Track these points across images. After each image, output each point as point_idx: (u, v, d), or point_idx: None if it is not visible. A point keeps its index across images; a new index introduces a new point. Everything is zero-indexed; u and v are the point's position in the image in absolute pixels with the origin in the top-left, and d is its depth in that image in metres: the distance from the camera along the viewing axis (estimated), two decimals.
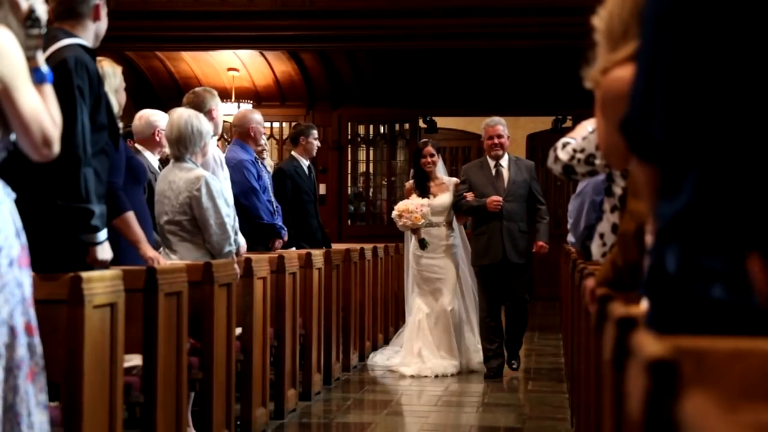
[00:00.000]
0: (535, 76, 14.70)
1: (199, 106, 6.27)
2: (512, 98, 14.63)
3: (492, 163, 8.65)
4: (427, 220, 8.58)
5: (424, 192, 8.77)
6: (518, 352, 8.86)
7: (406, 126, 15.71)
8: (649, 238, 2.35)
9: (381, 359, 9.14)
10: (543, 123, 16.13)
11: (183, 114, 5.74)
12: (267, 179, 7.83)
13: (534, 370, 8.99)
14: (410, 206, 8.59)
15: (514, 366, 8.74)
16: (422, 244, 8.72)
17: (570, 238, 6.97)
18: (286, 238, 7.72)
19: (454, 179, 8.96)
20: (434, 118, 15.96)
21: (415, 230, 8.69)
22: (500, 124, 8.63)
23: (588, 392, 4.00)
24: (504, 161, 8.64)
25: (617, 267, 2.95)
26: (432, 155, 8.78)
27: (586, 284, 3.51)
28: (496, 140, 8.59)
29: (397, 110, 15.30)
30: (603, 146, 2.55)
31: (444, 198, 8.75)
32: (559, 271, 12.34)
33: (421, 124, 15.79)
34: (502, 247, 8.42)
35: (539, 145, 16.17)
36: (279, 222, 7.68)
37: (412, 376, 8.43)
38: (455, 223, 8.91)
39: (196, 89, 6.74)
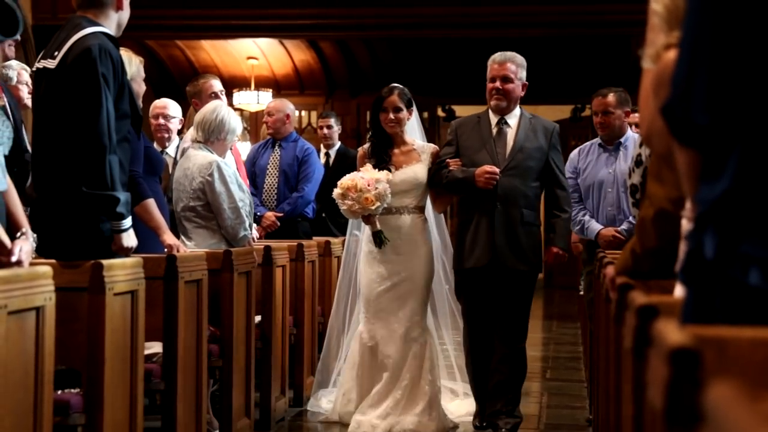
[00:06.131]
0: (554, 65, 14.65)
1: (197, 93, 6.63)
2: (531, 87, 14.45)
3: (494, 119, 5.80)
4: (383, 203, 5.67)
5: (382, 161, 5.88)
6: (514, 406, 5.74)
7: (425, 114, 15.67)
8: (685, 223, 2.34)
9: (326, 403, 6.38)
10: (562, 112, 16.09)
11: (217, 104, 5.91)
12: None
13: (552, 359, 8.97)
14: (359, 182, 5.65)
15: (504, 428, 5.66)
16: (377, 240, 5.80)
17: None
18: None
19: (432, 146, 6.12)
20: (453, 106, 15.95)
21: (367, 218, 5.78)
22: (511, 62, 5.82)
23: (607, 381, 3.99)
24: (512, 117, 5.81)
25: (636, 255, 2.94)
26: (398, 110, 5.93)
27: (606, 273, 3.50)
28: (498, 83, 5.78)
29: (415, 98, 15.17)
30: (647, 127, 2.53)
31: (412, 171, 5.89)
32: (578, 259, 12.31)
33: (440, 112, 15.77)
34: (491, 243, 5.60)
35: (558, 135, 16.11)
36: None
37: None
38: (430, 210, 6.08)
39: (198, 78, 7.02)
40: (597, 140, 6.42)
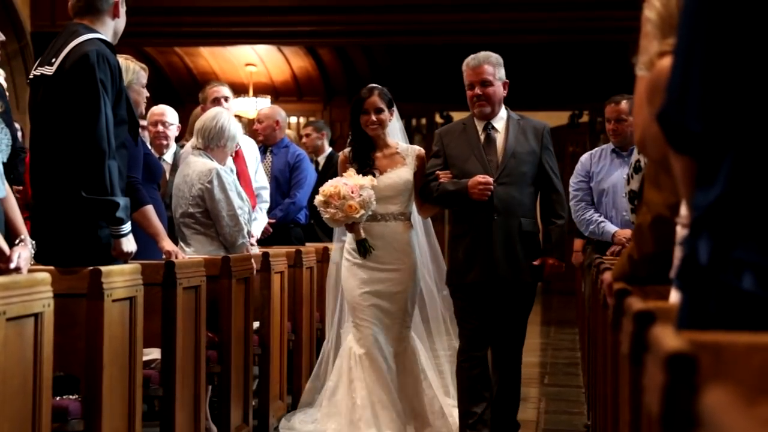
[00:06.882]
0: (552, 71, 14.68)
1: (203, 100, 6.76)
2: (528, 93, 14.60)
3: (480, 125, 5.43)
4: (368, 210, 5.36)
5: (365, 166, 5.54)
6: (513, 420, 5.51)
7: (423, 121, 15.71)
8: (680, 229, 2.35)
9: (298, 423, 5.98)
10: (559, 118, 16.09)
11: (218, 111, 5.92)
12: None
13: (550, 365, 8.97)
14: (342, 189, 5.32)
15: None
16: (362, 249, 5.48)
17: None
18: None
19: (417, 148, 5.73)
20: (451, 113, 15.95)
21: (351, 226, 5.48)
22: (487, 63, 5.40)
23: (605, 387, 4.00)
24: (499, 122, 5.44)
25: (634, 261, 2.95)
26: (379, 110, 5.51)
27: (604, 278, 3.51)
28: (478, 89, 5.39)
29: (413, 105, 15.29)
30: (641, 134, 2.54)
31: (396, 176, 5.54)
32: (578, 268, 12.30)
33: (438, 119, 15.78)
34: (490, 256, 5.24)
35: (555, 141, 16.15)
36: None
37: None
38: (416, 217, 5.74)
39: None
40: (609, 146, 6.46)
